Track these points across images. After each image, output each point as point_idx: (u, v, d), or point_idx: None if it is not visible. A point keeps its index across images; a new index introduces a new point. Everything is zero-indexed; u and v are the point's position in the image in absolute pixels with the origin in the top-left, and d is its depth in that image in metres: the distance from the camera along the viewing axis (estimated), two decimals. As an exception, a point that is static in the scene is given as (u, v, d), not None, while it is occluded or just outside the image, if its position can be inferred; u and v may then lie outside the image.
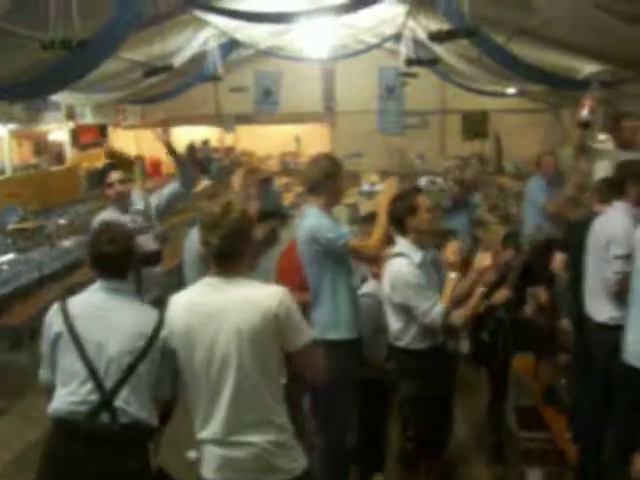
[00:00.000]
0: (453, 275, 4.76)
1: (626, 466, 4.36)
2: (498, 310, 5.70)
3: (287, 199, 13.08)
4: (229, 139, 22.16)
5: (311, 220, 4.90)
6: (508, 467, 5.88)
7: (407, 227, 4.84)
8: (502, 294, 5.64)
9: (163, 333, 3.59)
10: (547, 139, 17.02)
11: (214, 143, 21.90)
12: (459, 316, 4.81)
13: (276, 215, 10.13)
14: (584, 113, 7.06)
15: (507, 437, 6.05)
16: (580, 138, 7.26)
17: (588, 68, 11.39)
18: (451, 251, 4.83)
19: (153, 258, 6.10)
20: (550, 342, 6.31)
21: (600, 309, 5.17)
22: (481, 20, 9.55)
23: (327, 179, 4.92)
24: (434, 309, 4.66)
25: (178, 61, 13.75)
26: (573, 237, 5.86)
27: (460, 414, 6.37)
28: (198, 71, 16.14)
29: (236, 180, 5.95)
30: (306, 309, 4.71)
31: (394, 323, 4.89)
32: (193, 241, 5.19)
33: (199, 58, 15.27)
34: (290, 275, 5.39)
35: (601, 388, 5.11)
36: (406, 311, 4.76)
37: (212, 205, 3.44)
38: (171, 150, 6.47)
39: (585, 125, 7.18)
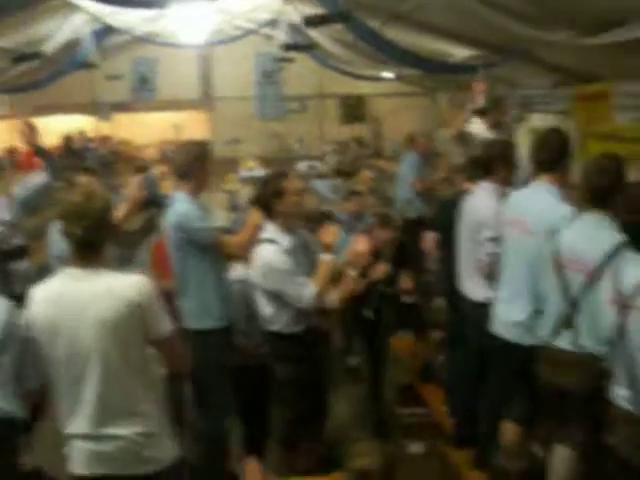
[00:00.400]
0: (327, 257, 4.78)
1: (497, 434, 4.51)
2: (378, 286, 5.77)
3: (166, 187, 12.86)
4: (105, 128, 21.65)
5: (180, 206, 4.85)
6: (390, 443, 5.97)
7: (275, 211, 4.83)
8: (380, 270, 5.71)
9: (24, 324, 3.47)
10: (424, 122, 17.31)
11: (90, 133, 21.34)
12: (333, 298, 4.83)
13: (154, 204, 9.95)
14: (480, 101, 7.19)
15: (388, 414, 6.14)
16: (462, 123, 7.35)
17: (460, 53, 11.62)
18: (327, 234, 4.84)
19: (17, 253, 5.90)
20: (425, 320, 6.44)
21: (474, 289, 5.28)
22: (355, 5, 9.60)
23: (196, 162, 4.89)
24: (306, 293, 4.67)
25: (49, 47, 13.29)
26: (442, 216, 5.97)
27: (341, 393, 6.43)
28: (71, 58, 15.66)
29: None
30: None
31: (266, 308, 4.88)
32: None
33: (72, 45, 14.80)
34: (163, 263, 5.32)
35: (475, 363, 5.24)
36: (278, 297, 4.76)
37: (72, 194, 3.33)
38: (37, 149, 6.24)
39: (482, 112, 7.33)
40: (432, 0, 8.76)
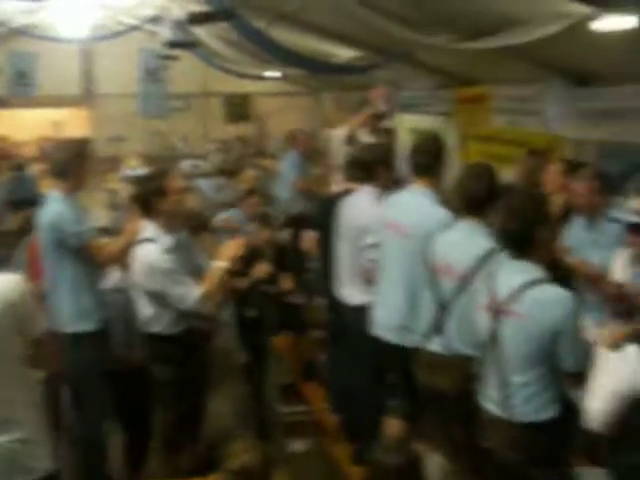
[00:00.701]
0: (221, 264, 4.72)
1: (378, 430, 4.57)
2: (260, 285, 5.75)
3: (45, 186, 12.51)
4: (-20, 124, 20.87)
5: (53, 207, 4.73)
6: (272, 441, 5.96)
7: (155, 210, 4.74)
8: (261, 269, 5.68)
9: None
10: (308, 121, 17.39)
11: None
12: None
13: (31, 203, 9.66)
14: (381, 105, 7.24)
15: (270, 413, 6.14)
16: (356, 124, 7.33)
17: (345, 53, 11.72)
18: (230, 247, 4.79)
19: None
20: (306, 319, 6.46)
21: (354, 293, 5.27)
22: (240, 3, 9.55)
23: (74, 161, 4.76)
24: (189, 295, 4.61)
25: None
26: (322, 215, 5.97)
27: (223, 393, 6.39)
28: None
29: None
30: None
31: (146, 309, 4.79)
32: None
33: (-57, 38, 14.24)
34: (36, 264, 5.18)
35: (356, 361, 5.28)
36: (159, 298, 4.68)
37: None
38: None
39: (382, 116, 7.39)
40: (316, 1, 8.80)
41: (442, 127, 10.87)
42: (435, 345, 4.17)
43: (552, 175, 5.85)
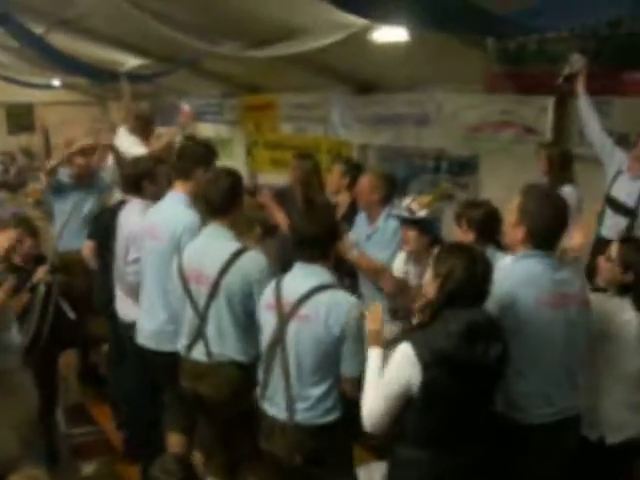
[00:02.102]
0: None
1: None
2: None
3: None
4: None
5: None
6: (62, 466, 5.75)
7: None
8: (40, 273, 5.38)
9: None
10: (95, 131, 16.99)
11: None
12: None
13: None
14: (188, 125, 7.17)
15: (58, 436, 5.92)
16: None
17: (131, 62, 11.58)
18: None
19: None
20: (90, 335, 6.23)
21: (127, 309, 5.12)
22: (17, 8, 9.16)
23: None
24: None
25: None
26: (97, 225, 5.85)
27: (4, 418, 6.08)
28: None
29: None
30: None
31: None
32: None
33: None
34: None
35: (137, 378, 5.17)
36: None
37: None
38: None
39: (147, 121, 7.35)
40: (98, 8, 8.63)
41: (230, 135, 10.99)
42: (197, 353, 4.14)
43: (335, 176, 6.08)
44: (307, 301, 3.51)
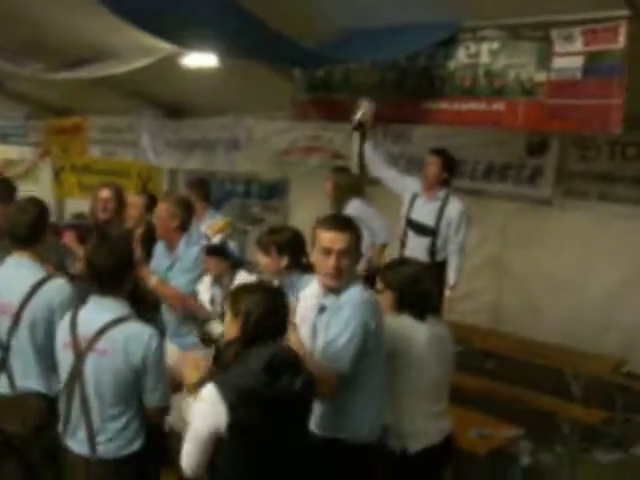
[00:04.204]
0: None
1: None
2: None
3: None
4: None
5: None
6: None
7: None
8: None
9: None
10: None
11: None
12: None
13: None
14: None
15: None
16: None
17: None
18: None
19: None
20: None
21: None
22: None
23: None
24: None
25: None
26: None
27: None
28: None
29: None
30: None
31: None
32: None
33: None
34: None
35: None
36: None
37: None
38: None
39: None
40: None
41: (34, 158, 10.65)
42: (0, 386, 4.00)
43: (134, 210, 6.00)
44: (103, 335, 3.44)
